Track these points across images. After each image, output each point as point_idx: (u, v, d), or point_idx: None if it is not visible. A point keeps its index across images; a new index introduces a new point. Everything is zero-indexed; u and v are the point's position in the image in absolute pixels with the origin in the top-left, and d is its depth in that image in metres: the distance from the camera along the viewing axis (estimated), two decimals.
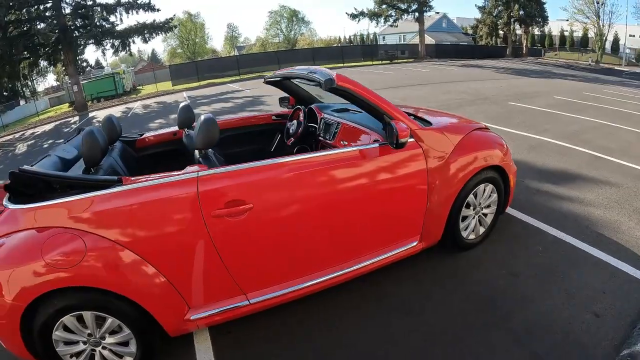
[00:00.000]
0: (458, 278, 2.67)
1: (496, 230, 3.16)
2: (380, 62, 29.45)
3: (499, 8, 36.02)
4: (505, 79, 17.32)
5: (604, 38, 37.77)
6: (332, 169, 2.12)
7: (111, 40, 19.57)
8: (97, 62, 42.62)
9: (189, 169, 1.91)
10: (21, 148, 11.69)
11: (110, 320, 1.86)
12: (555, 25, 43.09)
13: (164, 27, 20.40)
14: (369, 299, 2.50)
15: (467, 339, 2.13)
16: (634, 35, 39.11)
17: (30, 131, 16.28)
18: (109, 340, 1.93)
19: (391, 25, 33.72)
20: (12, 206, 1.73)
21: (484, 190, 2.81)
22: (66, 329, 1.83)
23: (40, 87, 32.62)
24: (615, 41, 40.34)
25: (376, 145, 2.27)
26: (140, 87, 30.98)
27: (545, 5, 35.56)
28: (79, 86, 19.15)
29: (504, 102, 10.17)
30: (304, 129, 3.18)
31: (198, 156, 2.18)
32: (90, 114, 17.79)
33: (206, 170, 1.89)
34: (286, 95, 3.65)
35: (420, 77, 17.79)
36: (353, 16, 31.90)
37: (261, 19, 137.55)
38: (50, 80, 40.98)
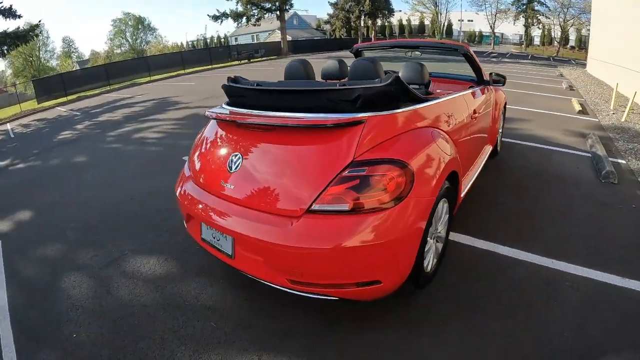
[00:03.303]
0: (508, 165, 4.48)
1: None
2: (239, 62, 30.43)
3: (350, 4, 40.75)
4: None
5: (442, 24, 46.85)
6: (478, 99, 3.44)
7: None
8: None
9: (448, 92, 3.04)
10: None
11: (446, 206, 2.34)
12: (395, 16, 50.99)
13: (27, 35, 17.94)
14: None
15: (536, 188, 3.95)
16: (463, 20, 49.45)
17: None
18: (440, 229, 2.36)
19: (254, 25, 35.20)
20: (385, 112, 1.97)
21: (503, 115, 4.75)
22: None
23: None
24: (449, 26, 50.42)
25: (481, 87, 3.78)
26: None
27: None
28: None
29: None
30: None
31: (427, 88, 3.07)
32: None
33: (473, 88, 3.32)
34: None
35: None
36: (215, 17, 32.45)
37: (96, 32, 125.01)
38: None
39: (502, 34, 50.06)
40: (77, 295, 2.56)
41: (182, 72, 25.98)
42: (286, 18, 46.76)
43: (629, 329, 2.06)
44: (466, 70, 4.16)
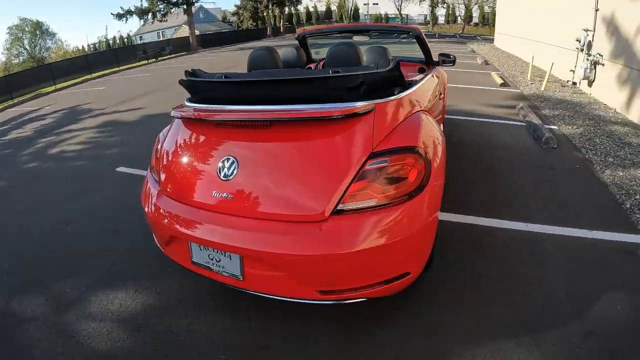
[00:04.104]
0: (455, 140, 4.61)
1: None
2: (147, 61, 28.30)
3: None
4: None
5: (350, 9, 48.10)
6: (438, 79, 3.61)
7: None
8: None
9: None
10: None
11: None
12: (302, 3, 51.44)
13: None
14: None
15: (487, 158, 4.13)
16: (368, 4, 51.33)
17: None
18: None
19: (160, 21, 33.28)
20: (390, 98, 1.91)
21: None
22: None
23: None
24: (356, 10, 52.37)
25: (436, 67, 3.85)
26: None
27: None
28: None
29: None
30: None
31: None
32: None
33: (430, 71, 3.46)
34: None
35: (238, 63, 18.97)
36: (119, 16, 30.23)
37: None
38: None
39: (407, 14, 52.49)
40: (39, 355, 2.03)
41: (89, 77, 23.92)
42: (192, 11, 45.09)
43: (612, 276, 2.28)
44: (411, 52, 4.23)
